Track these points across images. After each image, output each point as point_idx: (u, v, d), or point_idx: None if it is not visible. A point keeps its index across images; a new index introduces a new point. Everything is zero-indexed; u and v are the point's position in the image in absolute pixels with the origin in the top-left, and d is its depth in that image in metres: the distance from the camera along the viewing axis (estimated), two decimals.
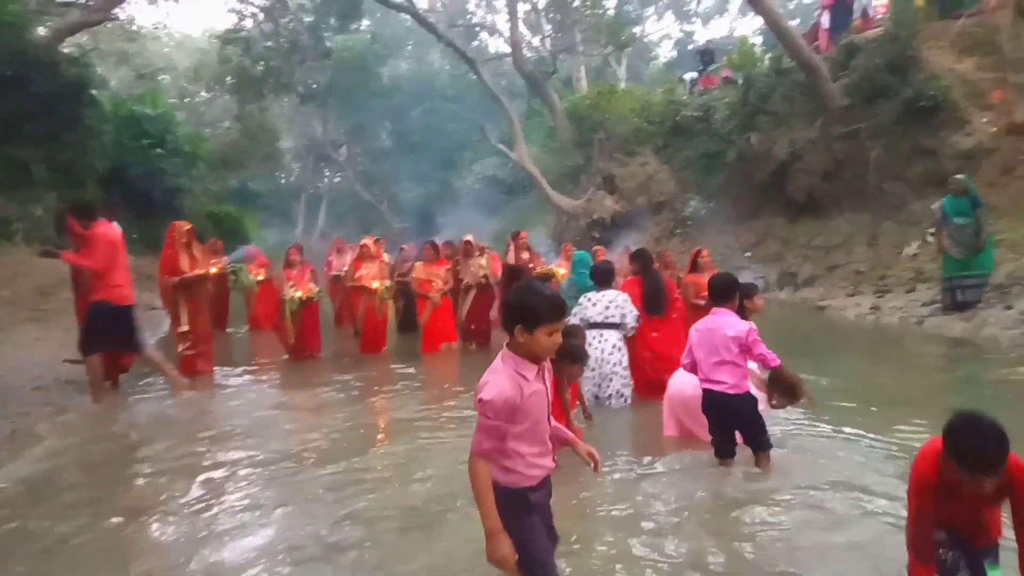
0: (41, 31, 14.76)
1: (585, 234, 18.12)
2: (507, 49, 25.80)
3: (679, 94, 20.68)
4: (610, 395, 5.80)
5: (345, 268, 10.69)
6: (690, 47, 35.67)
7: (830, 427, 4.96)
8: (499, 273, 9.42)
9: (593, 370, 5.67)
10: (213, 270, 8.39)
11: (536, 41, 28.50)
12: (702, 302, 6.90)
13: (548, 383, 2.46)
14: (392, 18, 33.53)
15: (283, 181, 40.07)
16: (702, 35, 38.17)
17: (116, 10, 18.45)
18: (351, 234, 16.45)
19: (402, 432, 5.44)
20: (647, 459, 4.49)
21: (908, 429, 4.78)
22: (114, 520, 3.79)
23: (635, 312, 5.85)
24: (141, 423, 5.92)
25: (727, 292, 4.19)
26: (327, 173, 41.65)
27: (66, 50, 15.56)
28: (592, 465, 2.65)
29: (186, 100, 31.58)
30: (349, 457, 4.73)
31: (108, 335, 6.41)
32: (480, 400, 2.31)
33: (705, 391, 4.17)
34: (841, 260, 12.44)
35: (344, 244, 12.43)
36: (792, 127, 14.14)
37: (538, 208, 23.46)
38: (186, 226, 7.65)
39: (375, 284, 8.99)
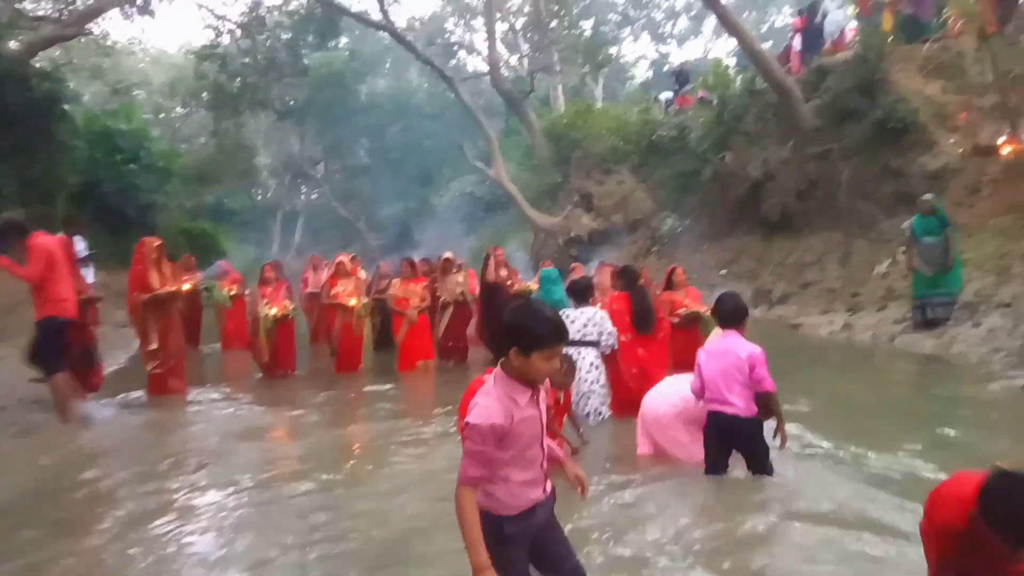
0: (12, 45, 14.57)
1: (562, 251, 18.19)
2: (485, 68, 25.96)
3: (655, 114, 20.93)
4: (588, 413, 5.79)
5: (321, 285, 10.61)
6: (665, 68, 36.14)
7: (806, 445, 4.98)
8: (476, 290, 9.42)
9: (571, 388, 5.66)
10: (186, 287, 8.28)
11: (514, 60, 28.77)
12: (676, 319, 6.99)
13: (543, 407, 2.33)
14: (370, 36, 33.58)
15: (259, 197, 39.77)
16: (677, 56, 38.76)
17: (90, 25, 18.31)
18: (328, 251, 16.35)
19: (378, 455, 5.33)
20: (636, 477, 4.48)
21: (883, 446, 4.83)
22: (66, 546, 3.68)
23: (613, 330, 5.84)
24: (107, 443, 5.75)
25: (737, 315, 4.20)
26: (304, 190, 41.41)
27: (38, 64, 15.37)
28: (579, 490, 2.51)
29: (161, 116, 31.30)
30: (322, 481, 4.60)
31: (63, 351, 6.20)
32: (466, 423, 2.20)
33: (713, 413, 4.14)
34: (814, 278, 12.60)
35: (320, 261, 12.33)
36: (765, 147, 14.37)
37: (516, 225, 23.52)
38: (156, 242, 7.51)
39: (352, 301, 8.92)
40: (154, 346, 7.24)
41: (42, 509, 4.29)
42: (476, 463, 2.18)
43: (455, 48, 35.26)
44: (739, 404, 4.06)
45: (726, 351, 4.13)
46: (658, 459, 4.82)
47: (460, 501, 2.17)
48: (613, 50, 34.41)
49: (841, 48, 14.90)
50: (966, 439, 5.16)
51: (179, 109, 31.80)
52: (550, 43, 24.25)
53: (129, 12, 19.34)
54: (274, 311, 8.35)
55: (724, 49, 34.84)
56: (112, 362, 9.42)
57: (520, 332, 2.20)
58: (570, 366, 4.78)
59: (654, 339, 6.12)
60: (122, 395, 7.40)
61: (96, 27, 19.62)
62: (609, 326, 5.80)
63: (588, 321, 5.77)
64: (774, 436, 4.22)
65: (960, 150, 11.75)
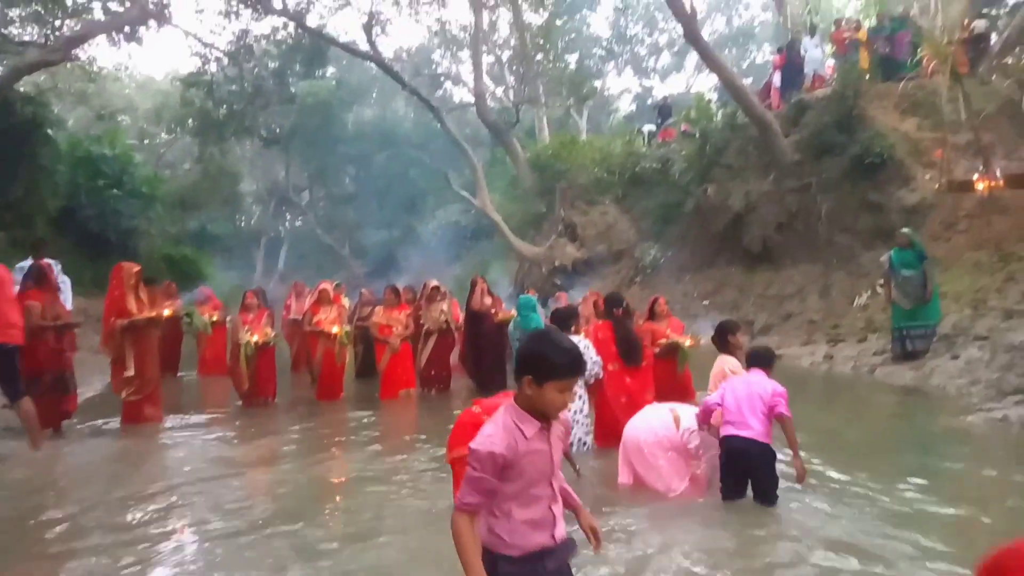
0: None
1: (546, 280, 18.25)
2: (471, 99, 26.24)
3: (638, 146, 21.20)
4: (572, 442, 5.75)
5: (303, 312, 10.54)
6: (649, 101, 36.74)
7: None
8: (460, 318, 9.41)
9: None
10: (167, 312, 8.19)
11: (500, 92, 29.09)
12: (657, 349, 7.02)
13: (555, 444, 2.19)
14: (358, 66, 33.83)
15: (243, 224, 39.59)
16: (660, 90, 39.33)
17: (76, 50, 18.30)
18: (312, 278, 16.27)
19: (360, 488, 5.16)
20: (625, 508, 4.46)
21: (873, 479, 4.85)
22: None
23: (597, 359, 5.82)
24: (75, 474, 5.60)
25: (767, 358, 4.62)
26: (288, 216, 41.32)
27: (22, 88, 15.33)
28: (592, 541, 2.36)
29: (146, 141, 31.22)
30: (301, 516, 4.44)
31: (16, 377, 6.00)
32: (469, 448, 2.12)
33: (729, 437, 4.28)
34: (795, 309, 12.72)
35: (303, 288, 12.28)
36: (747, 180, 14.58)
37: (500, 254, 23.58)
38: (134, 268, 7.42)
39: (335, 329, 8.86)
40: (130, 373, 7.12)
41: None
42: (474, 490, 2.09)
43: (442, 79, 35.62)
44: (757, 428, 4.24)
45: (753, 382, 4.43)
46: (638, 489, 4.79)
47: (456, 527, 2.08)
48: (597, 83, 34.94)
49: (820, 85, 15.25)
50: (952, 471, 5.18)
51: (164, 135, 31.78)
52: (535, 76, 24.57)
53: (116, 39, 19.37)
54: (255, 338, 8.27)
55: (706, 84, 35.43)
56: (88, 388, 9.27)
57: (535, 361, 2.11)
58: None
59: (640, 368, 6.13)
60: (96, 423, 7.27)
61: (82, 52, 19.61)
62: (593, 354, 5.79)
63: None
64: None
65: (936, 185, 12.00)
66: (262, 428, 7.38)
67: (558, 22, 30.46)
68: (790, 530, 3.99)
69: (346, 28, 74.33)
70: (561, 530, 2.22)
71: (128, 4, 19.05)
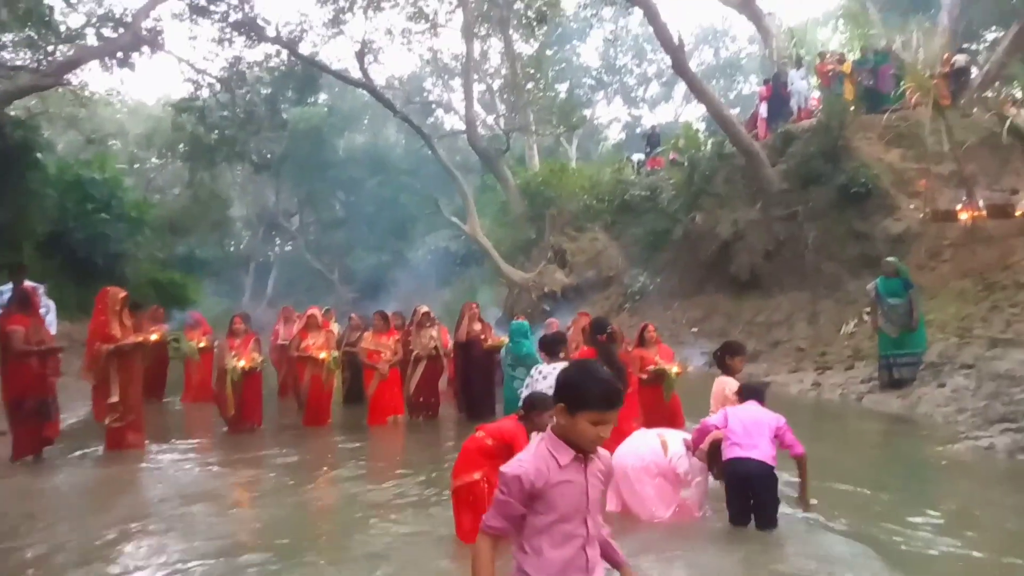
0: None
1: (536, 306, 18.26)
2: (462, 126, 26.46)
3: (627, 174, 21.41)
4: None
5: (291, 338, 10.47)
6: (638, 130, 37.18)
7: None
8: (449, 344, 9.37)
9: None
10: (153, 337, 8.12)
11: (490, 120, 29.36)
12: (645, 376, 7.02)
13: (591, 480, 2.10)
14: (349, 92, 34.12)
15: (232, 248, 39.53)
16: (649, 119, 39.87)
17: (68, 75, 18.37)
18: (300, 303, 16.23)
19: (346, 519, 5.00)
20: (627, 537, 4.40)
21: (863, 510, 4.85)
22: None
23: None
24: (56, 503, 5.48)
25: (761, 392, 4.76)
26: (278, 241, 41.31)
27: (12, 112, 15.34)
28: None
29: (136, 166, 31.25)
30: (285, 550, 4.27)
31: None
32: (499, 471, 2.09)
33: (736, 459, 4.31)
34: (783, 337, 12.77)
35: (292, 313, 12.21)
36: (734, 208, 14.72)
37: (489, 280, 23.62)
38: (120, 294, 7.32)
39: (323, 355, 8.81)
40: (114, 399, 7.00)
41: None
42: (498, 513, 2.06)
43: (433, 106, 35.97)
44: (766, 451, 4.29)
45: (756, 410, 4.52)
46: (626, 515, 4.76)
47: (475, 548, 2.08)
48: (587, 112, 35.45)
49: (806, 116, 15.50)
50: (944, 503, 5.15)
51: (154, 160, 31.82)
52: (526, 104, 24.85)
53: (109, 64, 19.45)
54: (241, 363, 8.20)
55: (694, 114, 36.00)
56: (71, 414, 9.13)
57: (569, 389, 2.07)
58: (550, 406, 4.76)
59: (626, 394, 6.11)
60: (78, 450, 7.16)
61: (74, 77, 19.70)
62: None
63: None
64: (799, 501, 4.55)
65: (920, 215, 12.16)
66: (247, 456, 7.24)
67: (549, 52, 30.98)
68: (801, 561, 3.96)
69: (339, 55, 75.26)
70: None
71: (121, 30, 19.19)
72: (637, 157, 23.10)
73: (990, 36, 22.16)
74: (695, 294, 15.82)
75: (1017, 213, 11.11)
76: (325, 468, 6.75)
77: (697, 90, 15.13)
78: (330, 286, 36.12)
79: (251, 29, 22.43)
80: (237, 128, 24.16)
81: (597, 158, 33.34)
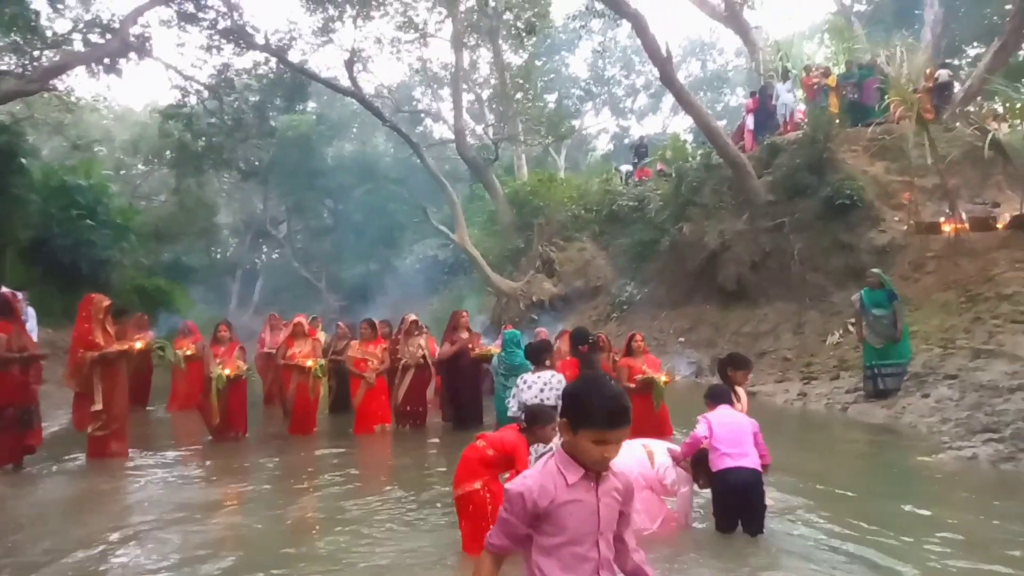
0: None
1: (524, 315, 18.26)
2: (451, 135, 26.49)
3: (615, 184, 21.50)
4: None
5: (277, 346, 10.41)
6: (626, 141, 37.44)
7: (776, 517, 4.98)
8: (436, 354, 9.34)
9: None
10: (138, 345, 8.05)
11: (479, 129, 29.45)
12: (633, 385, 7.04)
13: (603, 499, 1.97)
14: (338, 100, 34.10)
15: (218, 256, 39.30)
16: (637, 130, 40.15)
17: (54, 81, 18.25)
18: (287, 310, 16.12)
19: (331, 532, 4.85)
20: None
21: (854, 520, 4.87)
22: None
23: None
24: (35, 514, 5.38)
25: (728, 396, 4.78)
26: (265, 249, 41.11)
27: None
28: None
29: (122, 172, 31.03)
30: (269, 565, 4.15)
31: None
32: (504, 488, 2.04)
33: (730, 469, 4.34)
34: (769, 347, 12.84)
35: (278, 320, 12.15)
36: (721, 219, 14.82)
37: (477, 289, 23.60)
38: (104, 301, 7.26)
39: (309, 363, 8.77)
40: (98, 407, 6.93)
41: None
42: (501, 532, 1.98)
43: (422, 115, 36.02)
44: (754, 457, 4.39)
45: (733, 415, 4.60)
46: None
47: (477, 564, 2.03)
48: (575, 122, 35.59)
49: (793, 128, 15.65)
50: (932, 515, 5.14)
51: (141, 166, 31.64)
52: (514, 114, 24.94)
53: (96, 70, 19.36)
54: (227, 371, 8.15)
55: (681, 125, 36.25)
56: (53, 422, 9.03)
57: (572, 404, 1.96)
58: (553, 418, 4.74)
59: None
60: (60, 459, 7.07)
61: (60, 83, 19.58)
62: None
63: (545, 386, 5.49)
64: None
65: (905, 227, 12.30)
66: (231, 466, 7.18)
67: (537, 63, 31.13)
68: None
69: (328, 63, 75.25)
70: None
71: (108, 36, 19.10)
72: (625, 168, 23.22)
73: (972, 52, 22.53)
74: (682, 304, 15.89)
75: (999, 226, 11.26)
76: (310, 479, 6.67)
77: (684, 102, 15.25)
78: (317, 294, 35.96)
79: (240, 36, 22.39)
80: (225, 135, 24.08)
81: (585, 168, 33.51)
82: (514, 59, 26.80)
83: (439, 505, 5.39)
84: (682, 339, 14.82)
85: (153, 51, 20.51)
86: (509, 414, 5.63)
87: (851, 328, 10.90)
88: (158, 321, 13.99)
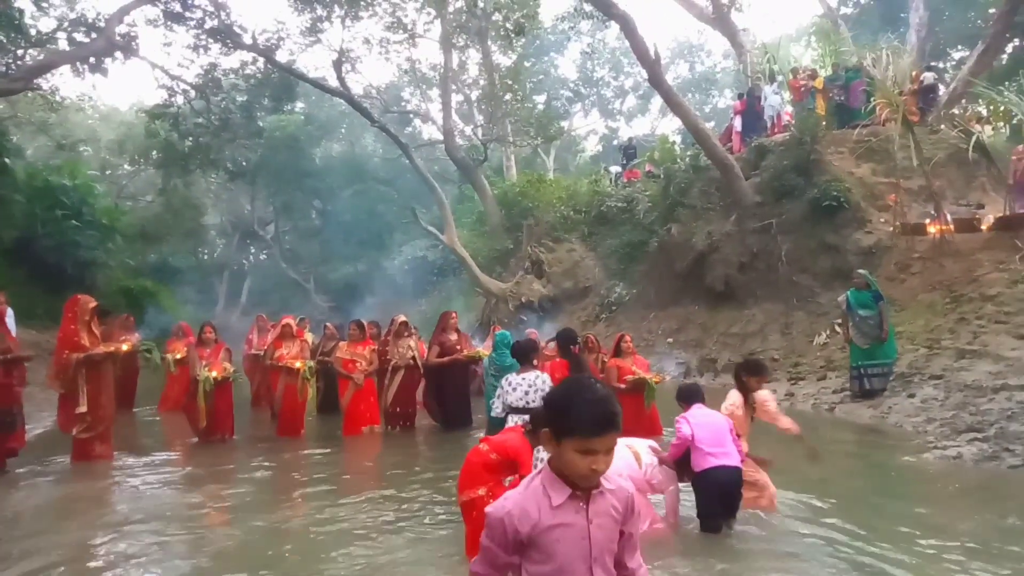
0: None
1: (513, 316, 18.26)
2: (440, 136, 26.47)
3: (604, 185, 21.58)
4: None
5: (265, 347, 10.35)
6: (615, 142, 37.53)
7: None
8: (425, 355, 9.32)
9: None
10: (125, 347, 7.98)
11: (468, 130, 29.43)
12: (623, 386, 7.05)
13: (595, 519, 1.77)
14: (327, 101, 33.98)
15: (205, 257, 39.05)
16: (625, 132, 40.32)
17: (39, 80, 18.08)
18: (275, 312, 16.03)
19: (323, 537, 4.76)
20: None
21: (826, 515, 4.90)
22: None
23: None
24: (15, 519, 5.30)
25: (701, 393, 4.84)
26: (252, 250, 40.87)
27: None
28: None
29: (108, 172, 30.77)
30: (257, 570, 4.07)
31: None
32: (485, 511, 1.82)
33: (716, 468, 4.40)
34: (757, 347, 12.90)
35: (266, 322, 12.09)
36: (709, 220, 14.89)
37: (466, 290, 23.58)
38: (91, 303, 7.21)
39: (298, 364, 8.72)
40: (83, 409, 6.86)
41: None
42: (483, 560, 1.80)
43: (411, 116, 35.94)
44: (735, 454, 4.46)
45: (710, 414, 4.64)
46: None
47: None
48: (564, 124, 35.63)
49: (779, 130, 15.75)
50: (919, 515, 5.17)
51: (127, 166, 31.38)
52: (503, 115, 24.94)
53: (81, 69, 19.19)
54: (214, 373, 8.09)
55: (670, 127, 36.44)
56: (37, 425, 8.94)
57: (554, 411, 1.77)
58: None
59: None
60: (44, 461, 6.99)
61: (45, 82, 19.40)
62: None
63: (530, 388, 5.32)
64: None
65: (890, 229, 12.40)
66: (218, 469, 7.10)
67: (526, 64, 31.19)
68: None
69: (316, 64, 74.95)
70: None
71: (94, 35, 18.95)
72: (614, 169, 23.31)
73: (956, 55, 22.78)
74: (671, 305, 15.94)
75: (983, 227, 11.37)
76: (298, 482, 6.61)
77: (673, 103, 15.31)
78: (305, 295, 35.80)
79: (227, 36, 22.26)
80: (212, 135, 23.93)
81: (574, 169, 33.60)
82: (503, 60, 26.85)
83: (428, 509, 5.36)
84: (670, 340, 14.86)
85: (139, 50, 20.37)
86: (492, 414, 5.62)
87: (838, 329, 10.98)
88: (144, 322, 13.88)
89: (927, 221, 12.03)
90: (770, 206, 13.79)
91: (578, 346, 6.26)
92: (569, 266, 19.45)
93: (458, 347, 9.19)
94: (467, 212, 27.71)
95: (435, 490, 5.89)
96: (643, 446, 4.78)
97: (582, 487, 1.75)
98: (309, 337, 10.95)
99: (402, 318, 9.46)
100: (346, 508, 5.51)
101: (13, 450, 6.62)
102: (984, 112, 15.39)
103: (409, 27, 25.10)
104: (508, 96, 24.90)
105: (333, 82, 24.77)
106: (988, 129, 14.44)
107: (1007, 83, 14.89)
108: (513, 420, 5.43)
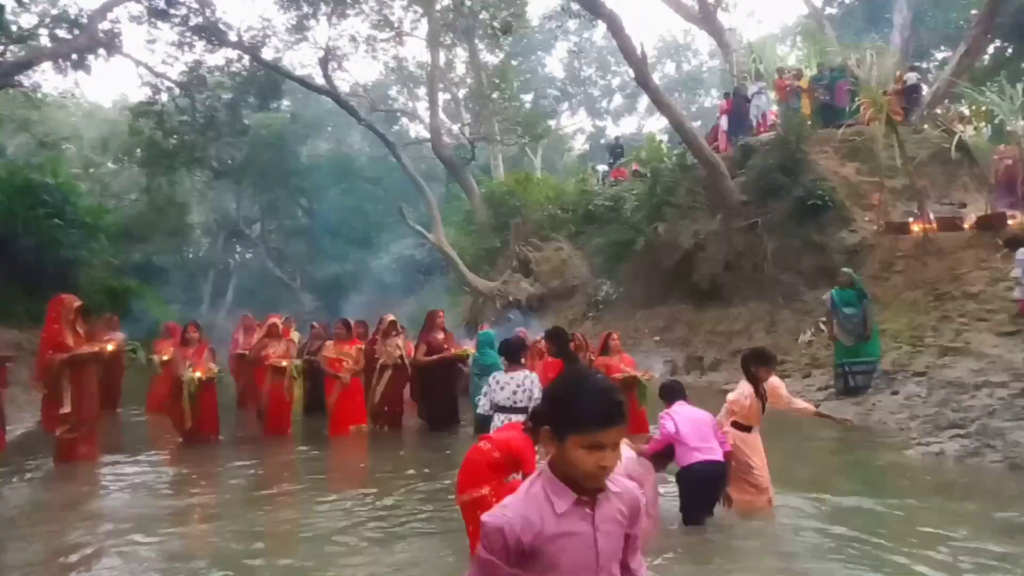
0: None
1: (500, 315, 18.26)
2: (427, 135, 26.41)
3: (591, 184, 21.60)
4: None
5: (251, 347, 10.28)
6: (602, 141, 37.61)
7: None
8: (412, 353, 9.29)
9: None
10: (110, 347, 7.91)
11: (455, 129, 29.39)
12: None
13: (601, 526, 1.65)
14: (313, 99, 33.77)
15: (190, 256, 38.74)
16: (613, 131, 40.38)
17: (20, 76, 17.86)
18: (261, 311, 15.87)
19: (310, 539, 4.70)
20: None
21: (814, 513, 4.94)
22: None
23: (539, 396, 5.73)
24: None
25: (682, 391, 4.95)
26: (238, 249, 40.60)
27: None
28: None
29: (91, 170, 30.43)
30: (243, 575, 4.01)
31: None
32: (481, 519, 1.68)
33: (702, 463, 4.48)
34: (743, 345, 12.91)
35: (252, 321, 11.99)
36: (696, 219, 14.95)
37: (454, 289, 23.56)
38: (75, 303, 7.12)
39: (285, 363, 8.67)
40: (67, 409, 6.78)
41: None
42: (480, 573, 1.65)
43: (398, 114, 35.84)
44: (719, 450, 4.55)
45: (692, 410, 4.74)
46: None
47: None
48: (551, 122, 35.64)
49: (764, 130, 15.84)
50: (903, 510, 5.23)
51: (110, 164, 31.07)
52: (491, 114, 24.93)
53: (63, 66, 18.98)
54: (198, 374, 8.02)
55: (657, 126, 36.51)
56: (20, 425, 8.84)
57: (555, 407, 1.64)
58: None
59: None
60: (27, 463, 6.91)
61: (26, 79, 19.16)
62: (538, 392, 5.62)
63: (518, 387, 5.28)
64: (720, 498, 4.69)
65: (875, 227, 12.51)
66: (203, 469, 7.04)
67: (514, 63, 31.21)
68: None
69: (302, 61, 74.36)
70: None
71: (76, 31, 18.74)
72: (601, 168, 23.33)
73: (939, 55, 23.02)
74: (657, 303, 16.00)
75: (965, 226, 11.49)
76: (284, 483, 6.55)
77: (659, 102, 15.36)
78: (292, 294, 35.61)
79: (212, 33, 22.11)
80: (197, 133, 23.76)
81: (561, 168, 33.61)
82: (490, 59, 26.83)
83: (417, 508, 5.35)
84: (657, 338, 14.91)
85: (123, 47, 20.20)
86: (478, 411, 5.62)
87: (822, 327, 11.06)
88: (129, 322, 13.75)
89: (911, 220, 12.15)
90: (756, 205, 13.87)
91: (571, 344, 6.29)
92: (556, 265, 19.46)
93: (445, 346, 9.19)
94: (454, 211, 27.66)
95: (423, 489, 5.88)
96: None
97: (588, 489, 1.64)
98: (295, 336, 10.89)
99: (391, 317, 9.43)
100: (333, 508, 5.48)
101: None
102: (966, 112, 15.55)
103: (396, 25, 25.04)
104: (495, 95, 24.90)
105: (319, 80, 24.66)
106: (970, 129, 14.59)
107: (988, 83, 15.05)
108: (499, 418, 5.42)
